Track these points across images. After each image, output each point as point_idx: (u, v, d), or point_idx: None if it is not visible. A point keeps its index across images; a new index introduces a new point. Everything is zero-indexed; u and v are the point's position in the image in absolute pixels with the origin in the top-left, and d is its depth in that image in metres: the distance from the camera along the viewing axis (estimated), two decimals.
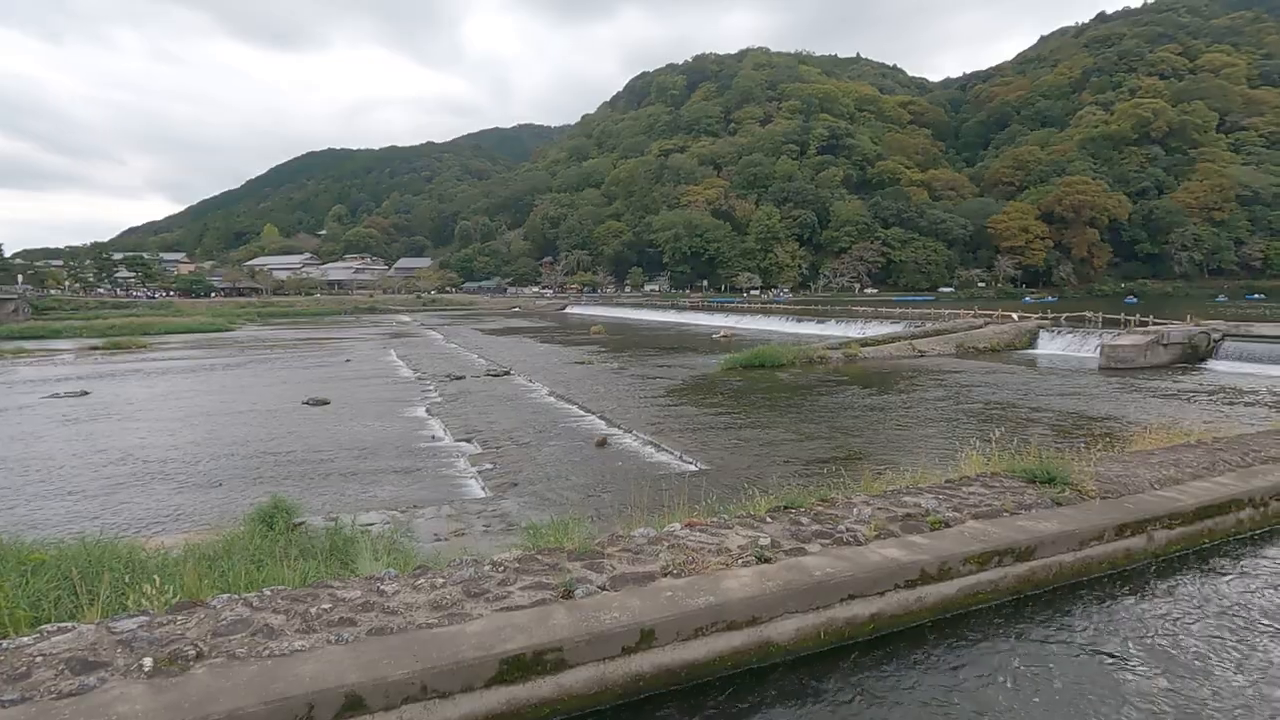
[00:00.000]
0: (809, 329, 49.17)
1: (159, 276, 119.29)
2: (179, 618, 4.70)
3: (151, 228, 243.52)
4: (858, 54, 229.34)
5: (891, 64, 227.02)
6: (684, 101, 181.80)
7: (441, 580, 5.43)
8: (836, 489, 8.10)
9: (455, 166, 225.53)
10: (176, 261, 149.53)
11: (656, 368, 31.21)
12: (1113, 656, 5.54)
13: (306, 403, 22.74)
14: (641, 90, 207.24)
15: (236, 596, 5.09)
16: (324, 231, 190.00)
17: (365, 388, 26.84)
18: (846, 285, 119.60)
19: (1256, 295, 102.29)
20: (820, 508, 7.33)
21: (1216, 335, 29.22)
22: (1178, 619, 6.14)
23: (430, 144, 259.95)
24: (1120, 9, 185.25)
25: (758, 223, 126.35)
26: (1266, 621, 6.10)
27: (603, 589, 5.31)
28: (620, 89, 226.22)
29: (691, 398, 22.71)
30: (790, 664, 5.35)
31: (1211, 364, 27.98)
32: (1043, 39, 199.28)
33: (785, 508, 7.34)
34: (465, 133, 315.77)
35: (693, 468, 13.81)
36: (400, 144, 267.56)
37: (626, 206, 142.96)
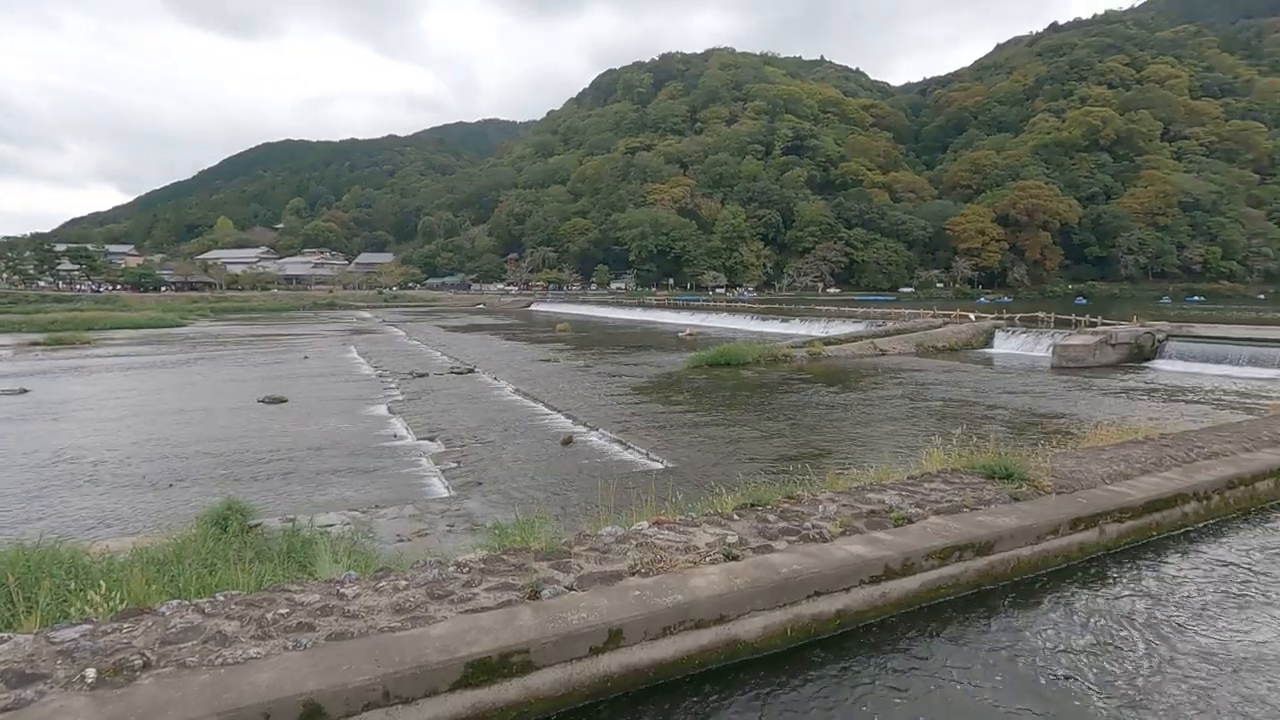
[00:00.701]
0: (773, 327, 49.68)
1: (105, 269, 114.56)
2: (125, 626, 4.49)
3: (97, 218, 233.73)
4: (821, 56, 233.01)
5: (854, 67, 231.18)
6: (650, 100, 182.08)
7: (404, 582, 5.30)
8: (802, 486, 8.17)
9: (418, 161, 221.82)
10: (124, 254, 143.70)
11: (622, 365, 31.17)
12: (1068, 644, 5.69)
13: (263, 401, 22.09)
14: (608, 87, 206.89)
15: (187, 602, 4.89)
16: (281, 225, 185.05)
17: (324, 385, 26.20)
18: (810, 285, 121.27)
19: (1196, 297, 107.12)
20: (787, 505, 7.38)
21: (1160, 336, 30.41)
22: (1126, 609, 6.34)
23: (392, 137, 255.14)
24: (1072, 20, 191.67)
25: (723, 222, 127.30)
26: (1206, 606, 6.35)
27: (570, 589, 5.25)
28: (587, 86, 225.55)
29: (658, 395, 22.72)
30: (758, 661, 5.36)
31: (1156, 363, 29.11)
32: (999, 47, 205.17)
33: (752, 505, 7.36)
34: (429, 126, 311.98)
35: (660, 465, 13.80)
36: (361, 137, 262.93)
37: (593, 204, 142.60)
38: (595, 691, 4.76)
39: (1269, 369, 25.63)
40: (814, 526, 6.64)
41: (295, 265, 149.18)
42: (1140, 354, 29.93)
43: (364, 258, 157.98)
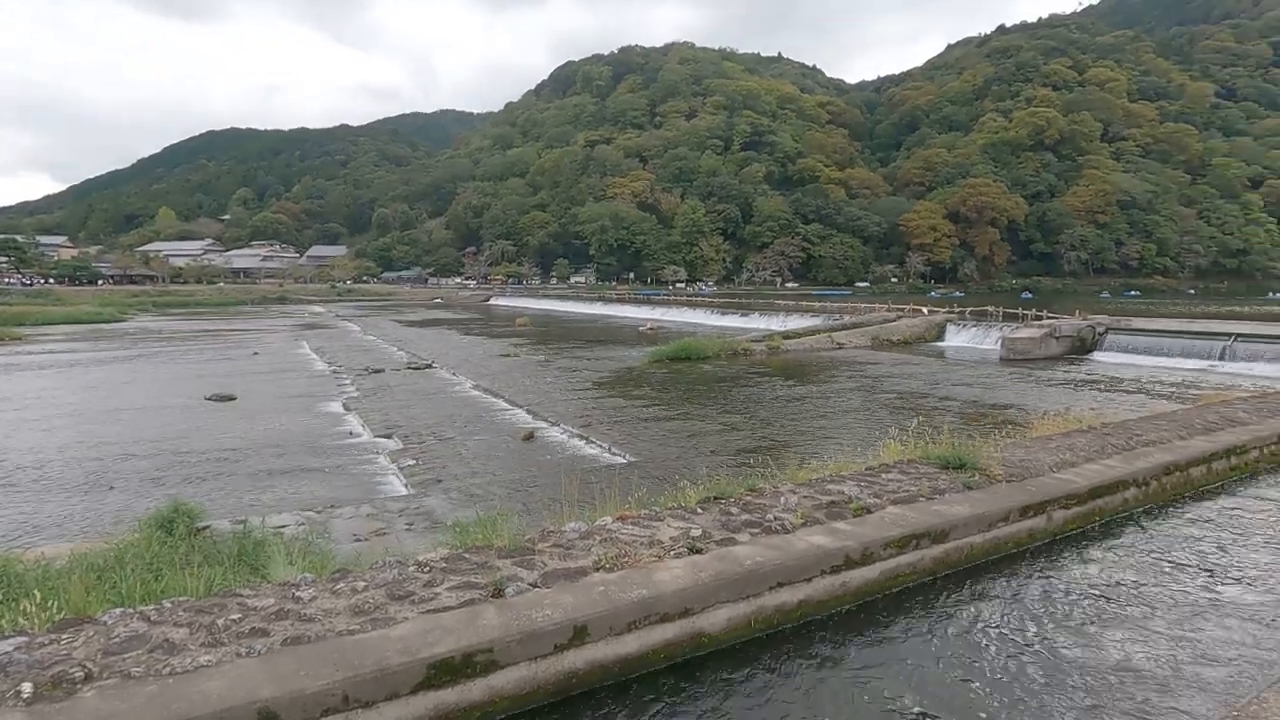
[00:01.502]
0: (733, 322, 50.10)
1: (35, 262, 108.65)
2: (64, 636, 4.27)
3: (26, 208, 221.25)
4: (779, 53, 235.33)
5: (812, 64, 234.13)
6: (610, 93, 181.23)
7: (363, 583, 5.18)
8: (764, 478, 8.26)
9: (372, 151, 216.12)
10: (57, 246, 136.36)
11: (583, 360, 31.04)
12: (1018, 625, 5.89)
13: (210, 399, 21.29)
14: (567, 79, 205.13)
15: (131, 610, 4.68)
16: (227, 216, 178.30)
17: (275, 382, 25.41)
18: (769, 279, 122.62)
19: (1133, 292, 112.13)
20: (749, 497, 7.45)
21: (1101, 329, 31.71)
22: (1070, 589, 6.60)
23: (345, 127, 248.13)
24: (1018, 22, 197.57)
25: (683, 216, 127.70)
26: (1138, 586, 6.65)
27: (534, 586, 5.20)
28: (546, 78, 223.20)
29: (619, 390, 22.70)
30: (722, 653, 5.41)
31: (1097, 355, 30.34)
32: (949, 47, 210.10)
33: (715, 498, 7.41)
34: (383, 116, 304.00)
35: (622, 460, 13.79)
36: (312, 126, 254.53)
37: (552, 197, 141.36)
38: (560, 689, 4.73)
39: (1199, 360, 26.98)
40: (776, 518, 6.73)
41: (243, 258, 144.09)
42: (1082, 346, 31.15)
43: (316, 251, 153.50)
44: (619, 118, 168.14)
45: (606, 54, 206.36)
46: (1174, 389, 21.65)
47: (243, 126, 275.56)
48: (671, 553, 5.88)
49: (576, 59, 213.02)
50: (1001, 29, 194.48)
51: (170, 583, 5.70)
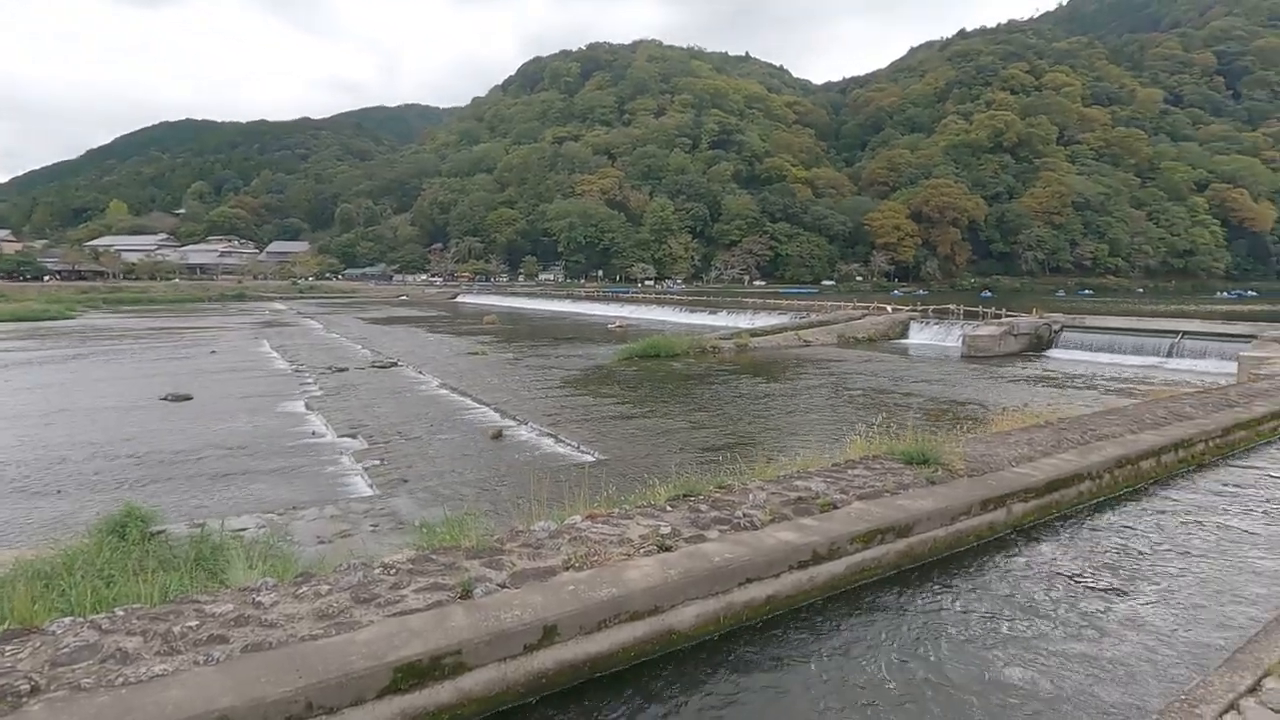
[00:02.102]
0: (701, 319, 50.35)
1: None
2: (8, 648, 4.09)
3: None
4: (747, 53, 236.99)
5: (779, 64, 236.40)
6: (578, 89, 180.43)
7: (326, 587, 5.07)
8: (733, 475, 8.31)
9: (335, 145, 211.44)
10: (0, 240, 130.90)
11: (552, 358, 30.88)
12: (980, 613, 6.04)
13: (165, 398, 20.63)
14: (535, 74, 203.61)
15: (81, 619, 4.51)
16: (183, 210, 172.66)
17: (235, 381, 24.73)
18: (737, 277, 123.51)
19: (1087, 291, 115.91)
20: (718, 494, 7.50)
21: (1057, 327, 32.68)
22: (1029, 578, 6.80)
23: (306, 120, 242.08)
24: (978, 27, 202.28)
25: (652, 214, 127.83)
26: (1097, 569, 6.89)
27: (503, 586, 5.16)
28: (514, 73, 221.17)
29: (588, 388, 22.64)
30: (692, 650, 5.43)
31: (1053, 352, 31.26)
32: (912, 50, 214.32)
33: (684, 496, 7.44)
34: (346, 109, 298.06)
35: (591, 458, 13.76)
36: (272, 118, 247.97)
37: (520, 194, 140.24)
38: (530, 689, 4.70)
39: (1149, 357, 28.00)
40: (745, 515, 6.78)
41: (199, 254, 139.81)
42: (1039, 343, 32.06)
43: (276, 246, 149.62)
44: (587, 114, 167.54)
45: (575, 50, 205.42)
46: (1125, 384, 22.42)
47: (199, 118, 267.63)
48: (641, 551, 5.88)
49: (544, 55, 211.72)
50: (962, 33, 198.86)
51: (123, 590, 5.50)
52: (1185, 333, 28.44)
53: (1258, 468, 11.11)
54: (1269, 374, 18.84)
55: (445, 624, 4.57)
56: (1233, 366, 22.95)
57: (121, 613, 4.62)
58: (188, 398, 20.81)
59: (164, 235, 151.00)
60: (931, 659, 5.44)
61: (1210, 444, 11.47)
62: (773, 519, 6.72)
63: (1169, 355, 27.64)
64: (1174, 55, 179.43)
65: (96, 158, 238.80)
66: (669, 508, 7.06)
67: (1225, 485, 10.17)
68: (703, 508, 7.03)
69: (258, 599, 4.84)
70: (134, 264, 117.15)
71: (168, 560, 6.81)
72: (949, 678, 5.18)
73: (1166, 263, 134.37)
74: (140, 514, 8.04)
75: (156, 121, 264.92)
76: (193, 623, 4.46)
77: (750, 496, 7.35)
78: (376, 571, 5.35)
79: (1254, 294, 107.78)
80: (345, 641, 4.31)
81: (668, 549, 5.92)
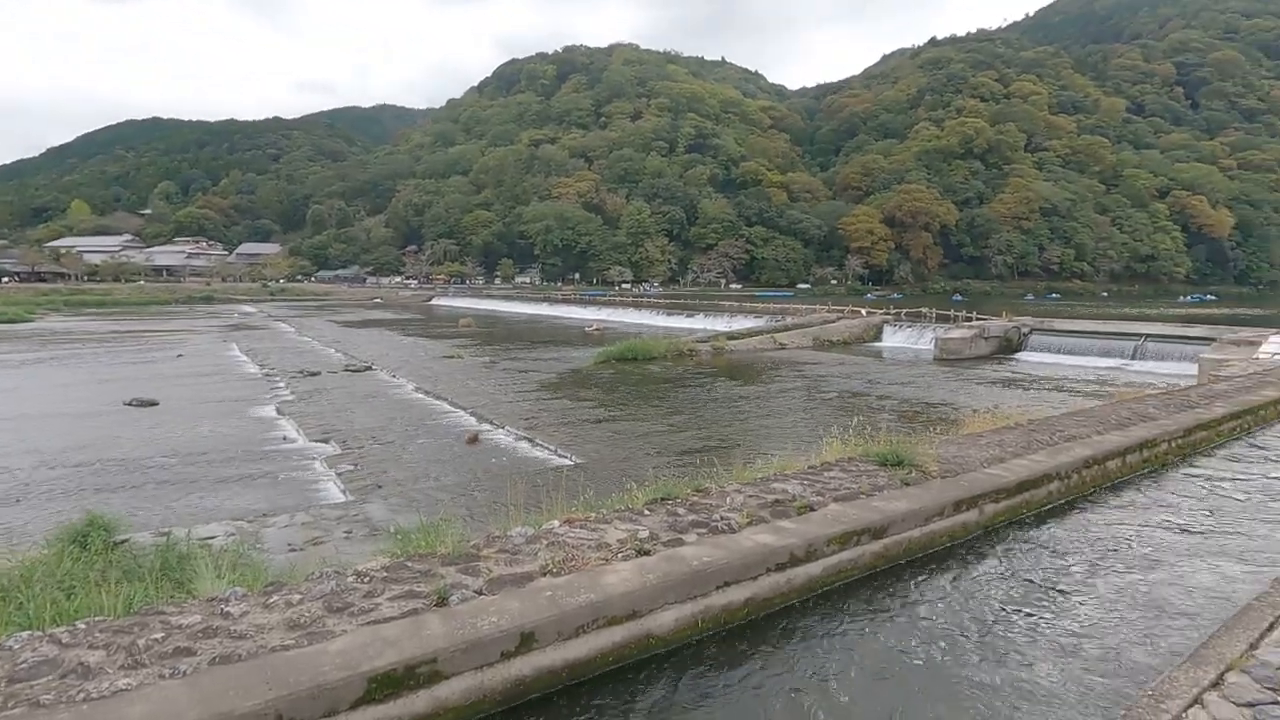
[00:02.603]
0: (679, 322, 50.49)
1: None
2: None
3: None
4: (723, 58, 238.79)
5: (754, 69, 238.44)
6: (554, 92, 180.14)
7: (298, 596, 4.96)
8: (710, 478, 8.33)
9: (306, 146, 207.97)
10: None
11: (529, 361, 30.72)
12: (955, 610, 6.12)
13: (129, 404, 20.10)
14: (511, 77, 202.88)
15: (40, 633, 4.36)
16: (148, 210, 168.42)
17: (203, 386, 24.20)
18: (713, 280, 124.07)
19: (1054, 295, 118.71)
20: (696, 498, 7.50)
21: (1026, 330, 33.36)
22: (1000, 577, 6.91)
23: (277, 119, 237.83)
24: (948, 35, 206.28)
25: (629, 217, 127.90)
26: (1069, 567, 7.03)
27: (479, 593, 5.10)
28: (489, 75, 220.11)
29: (565, 391, 22.56)
30: (671, 654, 5.42)
31: (1022, 355, 31.91)
32: (885, 57, 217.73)
33: (662, 499, 7.43)
34: (318, 110, 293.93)
35: (569, 462, 13.70)
36: (241, 117, 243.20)
37: (496, 196, 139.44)
38: (508, 697, 4.65)
39: (1114, 359, 28.71)
40: (722, 518, 6.79)
41: (166, 255, 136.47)
42: (1009, 346, 32.70)
43: (246, 248, 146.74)
44: (564, 117, 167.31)
45: (551, 53, 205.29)
46: (1092, 386, 22.96)
47: (165, 116, 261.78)
48: (619, 555, 5.86)
49: (520, 57, 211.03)
50: (934, 41, 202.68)
51: (85, 602, 5.33)
52: (1148, 335, 29.23)
53: (1212, 469, 11.45)
54: (1227, 375, 19.43)
55: (421, 632, 4.51)
56: (1193, 368, 23.64)
57: (83, 626, 4.48)
58: (153, 403, 20.30)
59: (129, 236, 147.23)
60: (908, 658, 5.50)
61: (1173, 444, 11.78)
62: (750, 522, 6.74)
63: (1133, 357, 28.38)
64: (1135, 66, 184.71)
65: (57, 156, 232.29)
66: (647, 511, 7.05)
67: (1187, 483, 10.46)
68: (680, 511, 7.03)
69: (226, 609, 4.72)
70: (97, 265, 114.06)
71: (132, 570, 6.61)
72: (928, 676, 5.24)
73: (1130, 267, 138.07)
74: (103, 522, 7.81)
75: (122, 120, 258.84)
76: (158, 635, 4.34)
77: (728, 499, 7.37)
78: (350, 579, 5.26)
79: (1213, 298, 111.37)
80: (318, 652, 4.23)
81: (646, 553, 5.91)
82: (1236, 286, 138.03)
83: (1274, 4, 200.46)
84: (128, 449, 15.12)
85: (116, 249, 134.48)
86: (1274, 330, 27.38)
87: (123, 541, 7.90)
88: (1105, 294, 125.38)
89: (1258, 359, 22.80)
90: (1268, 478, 10.80)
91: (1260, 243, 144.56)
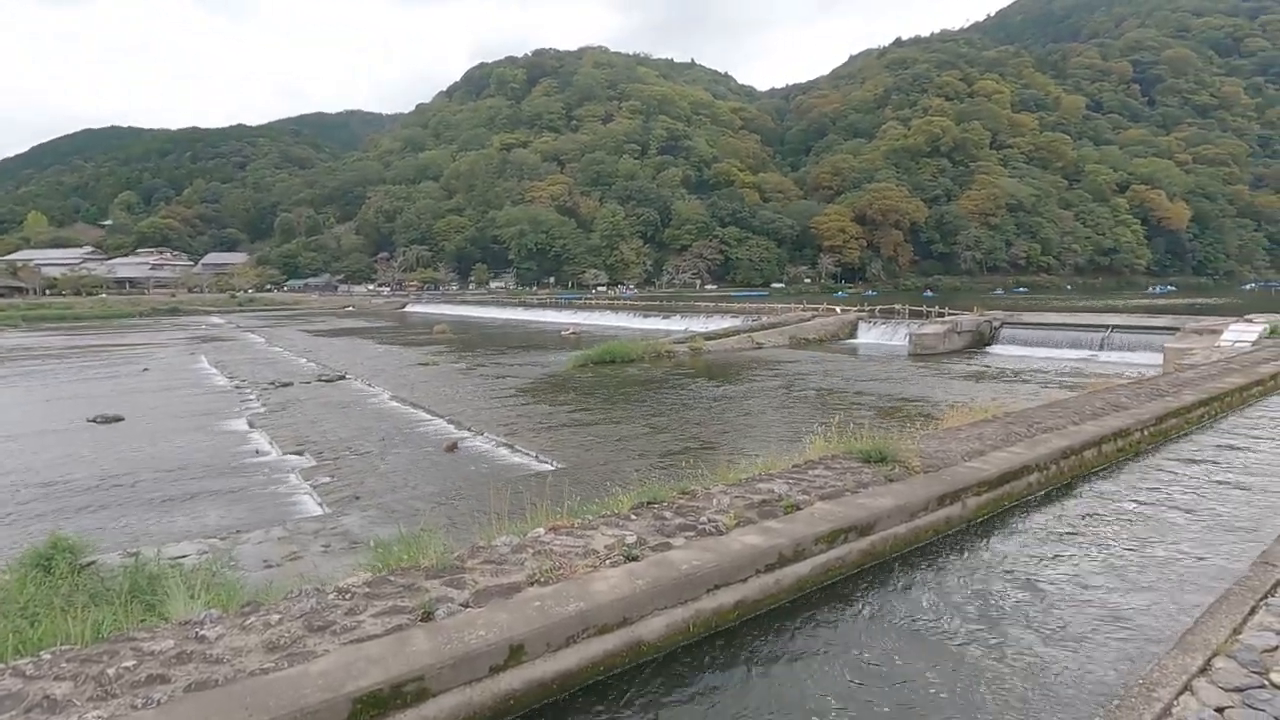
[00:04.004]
0: (655, 324, 50.47)
1: None
2: None
3: None
4: (692, 59, 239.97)
5: (724, 71, 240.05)
6: (525, 96, 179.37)
7: (277, 616, 4.80)
8: (695, 480, 8.27)
9: (273, 153, 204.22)
10: None
11: (506, 367, 30.45)
12: (943, 604, 6.13)
13: (93, 420, 19.48)
14: (480, 81, 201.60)
15: (2, 665, 4.15)
16: (109, 222, 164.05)
17: (170, 400, 23.56)
18: (689, 281, 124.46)
19: (1022, 289, 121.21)
20: (682, 500, 7.44)
21: (996, 324, 33.91)
22: (984, 568, 6.96)
23: (242, 126, 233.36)
24: (912, 36, 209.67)
25: (603, 220, 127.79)
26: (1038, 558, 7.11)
27: (466, 606, 4.98)
28: (458, 79, 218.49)
29: (544, 396, 22.38)
30: (663, 660, 5.34)
31: (994, 348, 32.43)
32: (852, 58, 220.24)
33: (648, 503, 7.35)
34: (284, 116, 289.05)
35: (551, 467, 13.55)
36: (204, 125, 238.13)
37: (468, 201, 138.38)
38: (498, 712, 4.53)
39: (1083, 350, 29.30)
40: (710, 520, 6.74)
41: (129, 267, 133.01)
42: (981, 340, 33.21)
43: (212, 258, 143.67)
44: (535, 121, 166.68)
45: (521, 57, 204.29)
46: (1063, 377, 23.39)
47: (124, 125, 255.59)
48: (607, 562, 5.77)
49: (490, 61, 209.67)
50: (898, 42, 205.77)
51: (50, 629, 5.09)
52: (1114, 327, 29.89)
53: (1187, 454, 11.70)
54: (1192, 364, 19.93)
55: (406, 649, 4.38)
56: (1159, 357, 24.22)
57: (49, 655, 4.27)
58: (118, 419, 19.70)
59: (89, 248, 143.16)
60: (903, 654, 5.48)
61: (1146, 432, 12.01)
62: (738, 523, 6.70)
63: (1100, 349, 28.98)
64: (1094, 64, 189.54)
65: (12, 167, 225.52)
66: (633, 516, 6.97)
67: (1161, 470, 10.67)
68: (667, 514, 6.96)
69: (201, 632, 4.54)
70: (56, 279, 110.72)
71: (100, 594, 6.35)
72: (921, 671, 5.23)
73: (1093, 260, 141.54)
74: (68, 544, 7.49)
75: (79, 129, 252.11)
76: (129, 663, 4.15)
77: (714, 501, 7.32)
78: (330, 596, 5.10)
79: (1174, 288, 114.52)
80: (299, 674, 4.07)
81: (634, 559, 5.83)
82: (1195, 277, 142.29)
83: (1223, 3, 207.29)
84: (92, 467, 14.64)
85: (77, 262, 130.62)
86: (1233, 318, 28.17)
87: (89, 564, 7.59)
88: (1070, 287, 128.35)
89: (1219, 347, 23.44)
90: (1241, 461, 11.06)
91: (1216, 234, 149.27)
